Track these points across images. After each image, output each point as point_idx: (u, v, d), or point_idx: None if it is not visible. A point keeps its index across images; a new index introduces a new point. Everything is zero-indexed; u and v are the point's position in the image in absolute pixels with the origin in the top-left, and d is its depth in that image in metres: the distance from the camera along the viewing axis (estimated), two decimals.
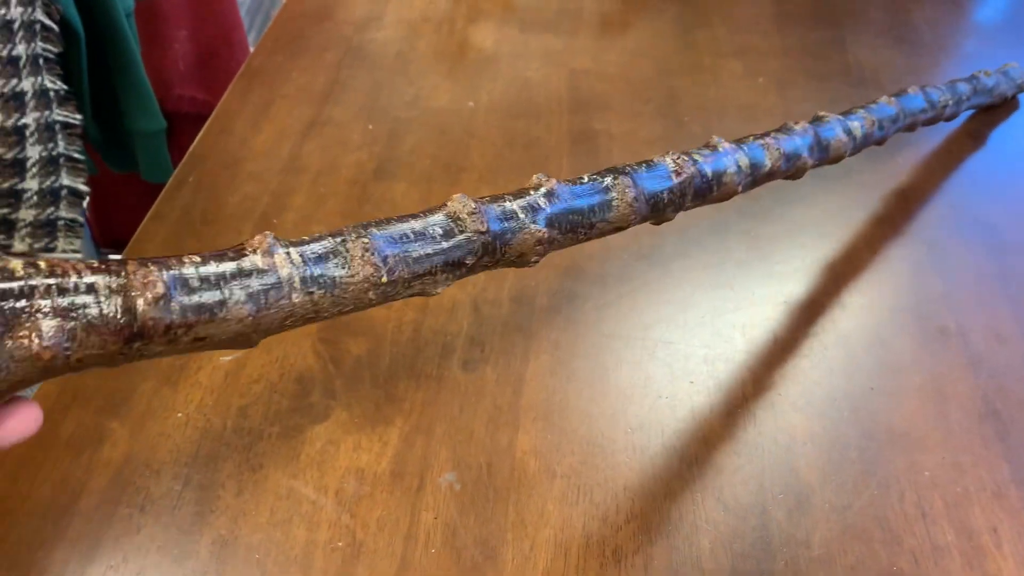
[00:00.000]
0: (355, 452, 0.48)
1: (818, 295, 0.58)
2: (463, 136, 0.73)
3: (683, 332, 0.55)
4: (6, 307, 0.24)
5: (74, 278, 0.25)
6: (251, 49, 1.18)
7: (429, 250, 0.30)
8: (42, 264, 0.25)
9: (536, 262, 0.34)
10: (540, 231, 0.33)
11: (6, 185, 0.66)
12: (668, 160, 0.37)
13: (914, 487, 0.46)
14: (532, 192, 0.34)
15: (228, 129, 0.74)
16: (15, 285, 0.24)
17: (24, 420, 0.26)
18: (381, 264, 0.29)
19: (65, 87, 0.69)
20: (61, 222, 0.71)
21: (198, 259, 0.27)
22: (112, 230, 1.36)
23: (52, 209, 0.71)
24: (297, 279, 0.28)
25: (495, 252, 0.32)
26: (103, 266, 0.26)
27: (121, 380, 0.51)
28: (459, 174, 0.69)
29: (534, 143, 0.72)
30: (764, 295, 0.58)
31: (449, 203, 0.32)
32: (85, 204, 0.72)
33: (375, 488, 0.46)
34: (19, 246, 0.71)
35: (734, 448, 0.48)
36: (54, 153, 0.69)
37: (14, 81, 0.63)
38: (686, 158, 0.38)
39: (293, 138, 0.73)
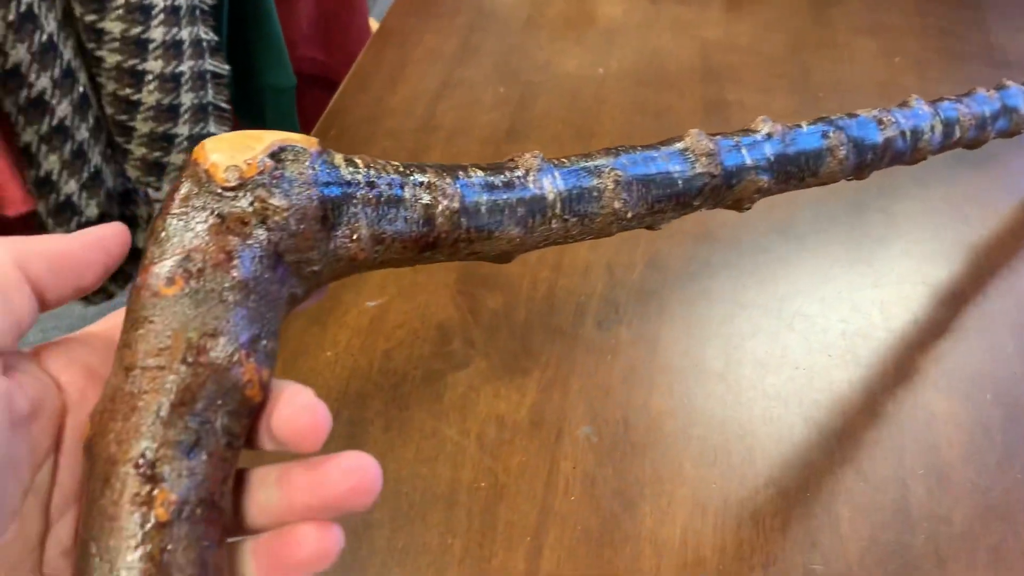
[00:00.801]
0: (495, 399, 0.49)
1: (959, 277, 0.57)
2: (593, 102, 0.74)
3: (820, 305, 0.55)
4: (334, 208, 0.25)
5: (387, 181, 0.26)
6: (368, 14, 1.20)
7: (666, 188, 0.31)
8: (359, 162, 0.26)
9: (748, 208, 0.34)
10: (761, 180, 0.33)
11: (160, 129, 0.69)
12: (874, 115, 0.37)
13: None
14: (755, 134, 0.34)
15: (365, 87, 0.76)
16: (340, 189, 0.25)
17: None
18: (628, 199, 0.30)
19: (216, 38, 0.72)
20: None
21: (481, 172, 0.28)
22: None
23: None
24: (559, 205, 0.29)
25: (719, 195, 0.33)
26: (407, 170, 0.27)
27: None
28: (590, 139, 0.70)
29: (666, 111, 0.72)
30: (903, 273, 0.57)
31: (687, 139, 0.32)
32: None
33: (515, 435, 0.47)
34: (168, 187, 0.75)
35: (873, 422, 0.48)
36: (204, 101, 0.72)
37: (175, 30, 0.67)
38: (889, 115, 0.37)
39: (427, 98, 0.75)
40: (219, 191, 0.23)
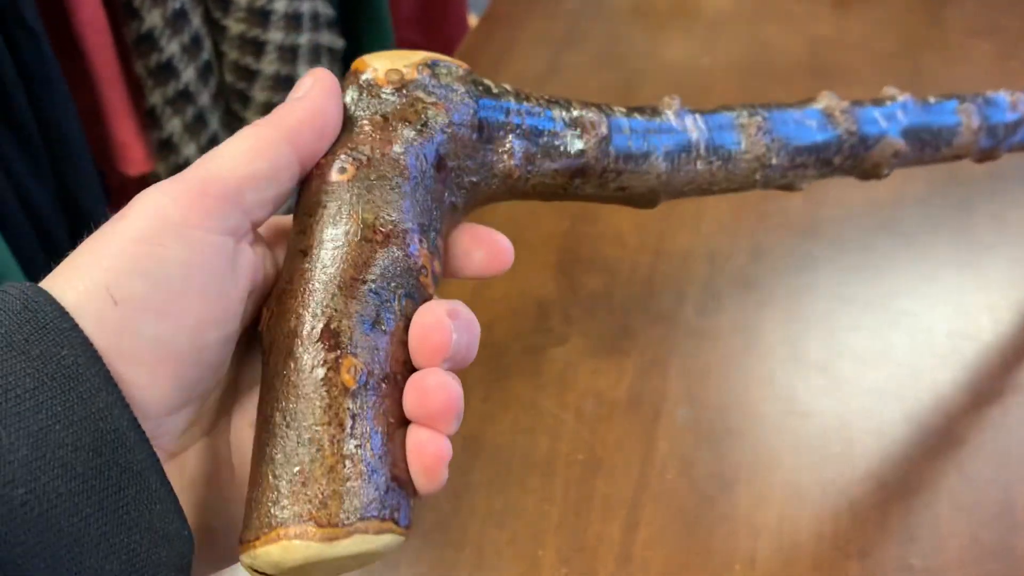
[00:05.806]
0: (593, 376, 0.50)
1: None
2: (699, 92, 0.74)
3: (926, 305, 0.54)
4: (488, 120, 0.26)
5: (536, 105, 0.27)
6: (466, 2, 1.21)
7: (806, 141, 0.31)
8: (508, 87, 0.27)
9: (887, 175, 0.34)
10: (898, 142, 0.34)
11: (276, 100, 0.72)
12: (1003, 95, 0.37)
13: None
14: (888, 103, 0.34)
15: (471, 67, 0.77)
16: (493, 102, 0.26)
17: (500, 251, 0.27)
18: (770, 144, 0.31)
19: (332, 12, 0.75)
20: None
21: (623, 110, 0.29)
22: None
23: None
24: (703, 145, 0.30)
25: (857, 156, 0.33)
26: (553, 99, 0.28)
27: None
28: None
29: None
30: (1013, 279, 0.56)
31: (820, 99, 0.33)
32: None
33: (613, 411, 0.48)
34: None
35: (977, 424, 0.47)
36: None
37: (296, 2, 0.69)
38: (1020, 95, 0.37)
39: (532, 81, 0.76)
40: (381, 93, 0.24)
